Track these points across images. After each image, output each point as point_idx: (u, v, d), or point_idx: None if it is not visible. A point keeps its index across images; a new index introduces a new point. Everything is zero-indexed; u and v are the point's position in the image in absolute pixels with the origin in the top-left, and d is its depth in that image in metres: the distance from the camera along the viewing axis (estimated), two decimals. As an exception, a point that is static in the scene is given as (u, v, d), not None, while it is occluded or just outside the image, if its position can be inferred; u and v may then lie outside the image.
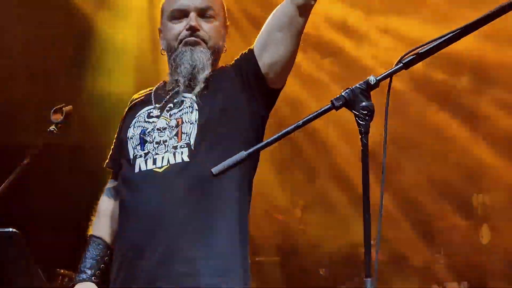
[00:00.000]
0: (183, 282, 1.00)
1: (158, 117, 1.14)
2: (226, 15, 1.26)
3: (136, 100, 1.26)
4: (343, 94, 0.77)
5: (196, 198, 1.06)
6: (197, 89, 1.10)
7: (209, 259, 1.02)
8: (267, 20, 1.12)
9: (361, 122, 0.73)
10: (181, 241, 1.03)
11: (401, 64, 0.80)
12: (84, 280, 1.13)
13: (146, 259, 1.03)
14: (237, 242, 1.08)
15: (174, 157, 1.07)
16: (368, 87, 0.76)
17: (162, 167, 1.07)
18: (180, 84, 1.13)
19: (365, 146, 0.75)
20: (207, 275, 1.01)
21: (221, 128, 1.10)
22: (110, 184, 1.28)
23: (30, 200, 3.69)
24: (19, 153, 1.53)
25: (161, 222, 1.04)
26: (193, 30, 1.14)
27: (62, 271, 2.61)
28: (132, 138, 1.15)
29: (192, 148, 1.07)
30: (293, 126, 0.79)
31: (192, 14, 1.13)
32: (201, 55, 1.12)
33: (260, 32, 1.14)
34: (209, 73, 1.12)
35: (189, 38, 1.14)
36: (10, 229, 1.23)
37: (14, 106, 3.81)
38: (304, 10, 1.04)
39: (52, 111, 1.45)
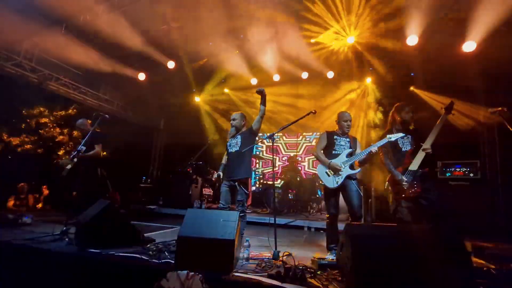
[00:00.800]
0: (237, 175, 4.21)
1: (231, 140, 4.45)
2: (245, 117, 4.55)
3: (228, 138, 4.56)
4: (268, 135, 3.93)
5: (240, 156, 4.27)
6: (237, 133, 4.46)
7: (242, 171, 4.21)
8: (255, 118, 4.32)
9: (274, 143, 3.90)
10: (237, 166, 4.26)
11: (280, 130, 3.97)
12: (219, 172, 4.57)
13: (230, 168, 4.36)
14: (249, 167, 4.33)
15: (236, 148, 4.32)
16: (273, 135, 3.94)
17: (234, 151, 4.31)
18: (233, 134, 4.49)
19: (273, 147, 3.90)
20: (242, 174, 4.21)
21: (245, 143, 4.28)
22: (225, 154, 4.59)
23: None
24: (194, 147, 8.48)
25: (233, 162, 4.30)
26: (233, 124, 4.53)
27: (212, 170, 8.61)
28: (227, 145, 4.47)
29: (239, 147, 4.28)
30: (254, 144, 4.02)
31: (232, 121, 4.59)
32: (235, 129, 4.48)
33: (254, 120, 4.33)
34: (239, 132, 4.46)
35: (232, 125, 4.54)
36: (200, 162, 8.09)
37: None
38: (263, 118, 4.34)
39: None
